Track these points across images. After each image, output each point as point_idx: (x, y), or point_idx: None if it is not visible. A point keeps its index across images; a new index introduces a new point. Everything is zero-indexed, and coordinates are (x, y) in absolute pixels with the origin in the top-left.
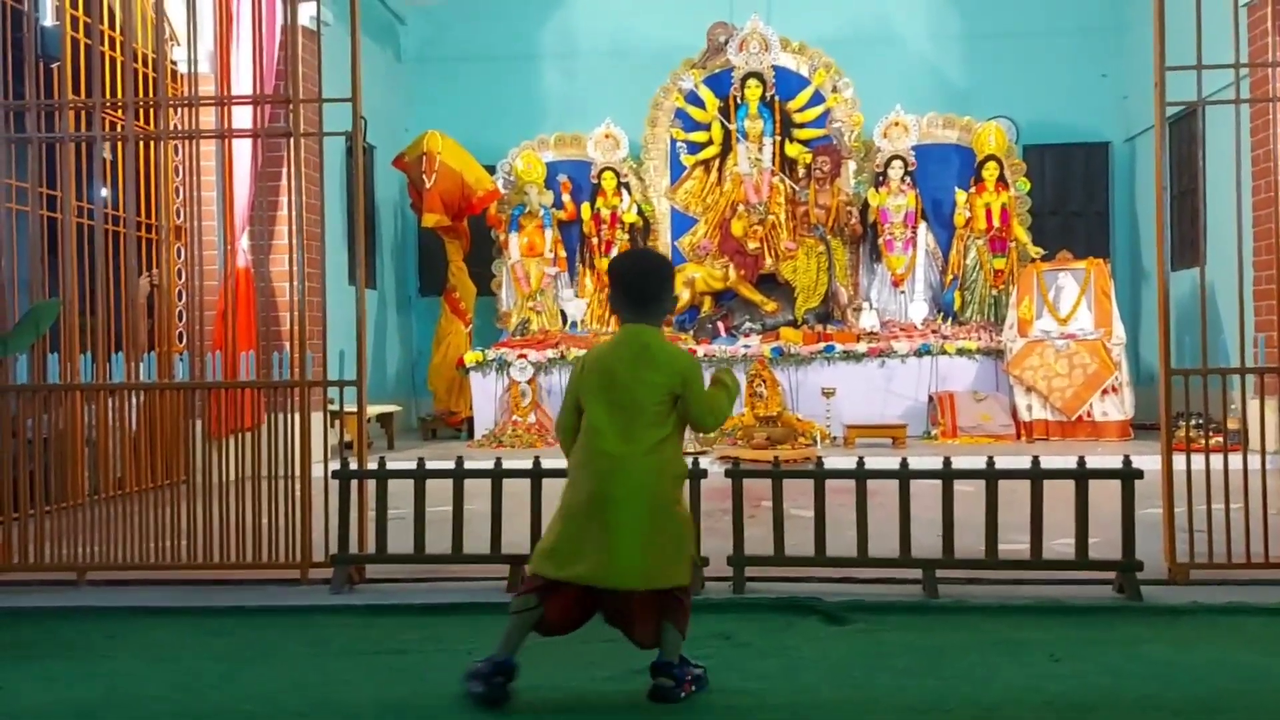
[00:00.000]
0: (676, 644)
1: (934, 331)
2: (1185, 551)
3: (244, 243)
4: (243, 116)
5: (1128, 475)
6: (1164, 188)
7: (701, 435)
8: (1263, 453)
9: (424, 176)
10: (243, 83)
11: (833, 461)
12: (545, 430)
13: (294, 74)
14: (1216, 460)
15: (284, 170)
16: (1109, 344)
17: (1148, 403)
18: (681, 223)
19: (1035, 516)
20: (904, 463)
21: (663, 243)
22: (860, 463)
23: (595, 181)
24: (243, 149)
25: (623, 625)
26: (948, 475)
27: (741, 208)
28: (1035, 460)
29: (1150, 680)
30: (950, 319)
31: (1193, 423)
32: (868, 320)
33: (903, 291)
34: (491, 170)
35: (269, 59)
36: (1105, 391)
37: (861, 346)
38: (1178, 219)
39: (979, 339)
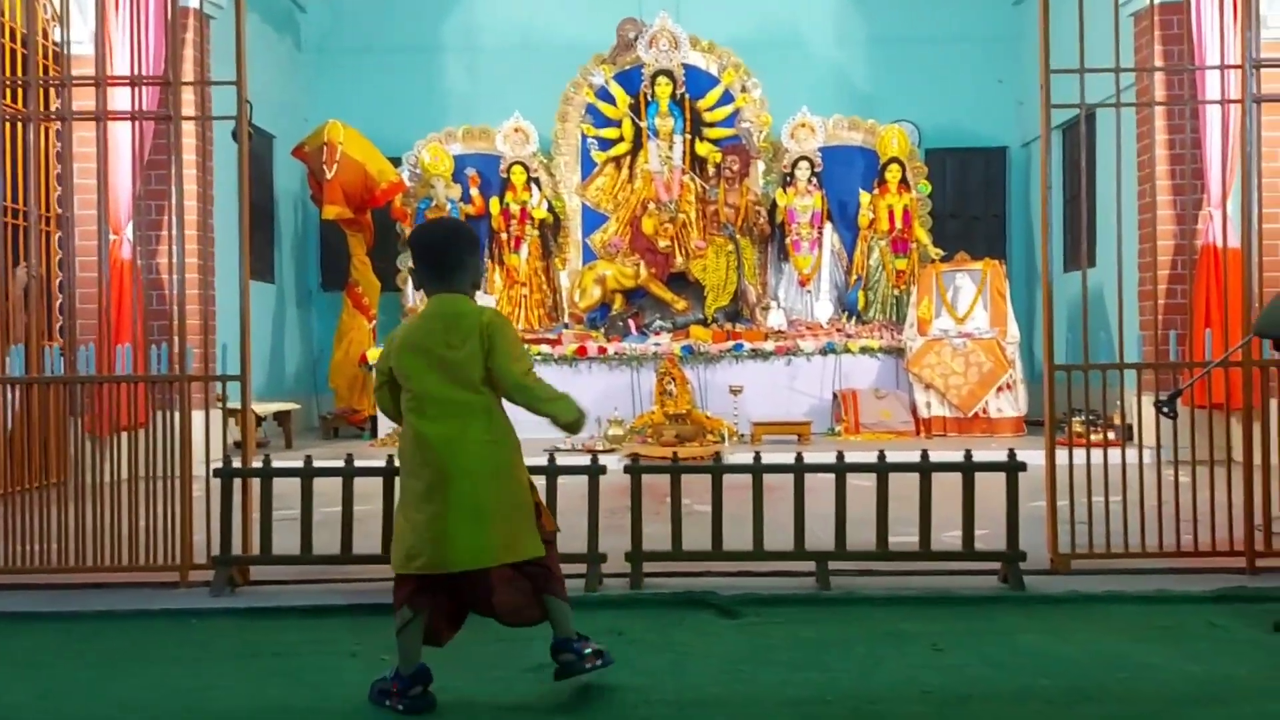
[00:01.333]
0: (566, 615)
1: (838, 330)
2: (1068, 543)
3: (128, 232)
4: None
5: (1012, 468)
6: (1049, 187)
7: (609, 434)
8: (1141, 446)
9: (324, 167)
10: (141, 64)
11: (737, 458)
12: None
13: (175, 55)
14: (1100, 454)
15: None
16: (1004, 343)
17: (1041, 400)
18: (592, 219)
19: (924, 509)
20: (799, 458)
21: (574, 239)
22: (757, 458)
23: (504, 176)
24: (129, 134)
25: (486, 609)
26: (841, 469)
27: (652, 205)
28: (924, 454)
29: (1027, 671)
30: (854, 318)
31: (1082, 418)
32: (775, 319)
33: (809, 291)
34: (397, 162)
35: (157, 41)
36: (1000, 389)
37: (769, 345)
38: (1070, 222)
39: (881, 338)
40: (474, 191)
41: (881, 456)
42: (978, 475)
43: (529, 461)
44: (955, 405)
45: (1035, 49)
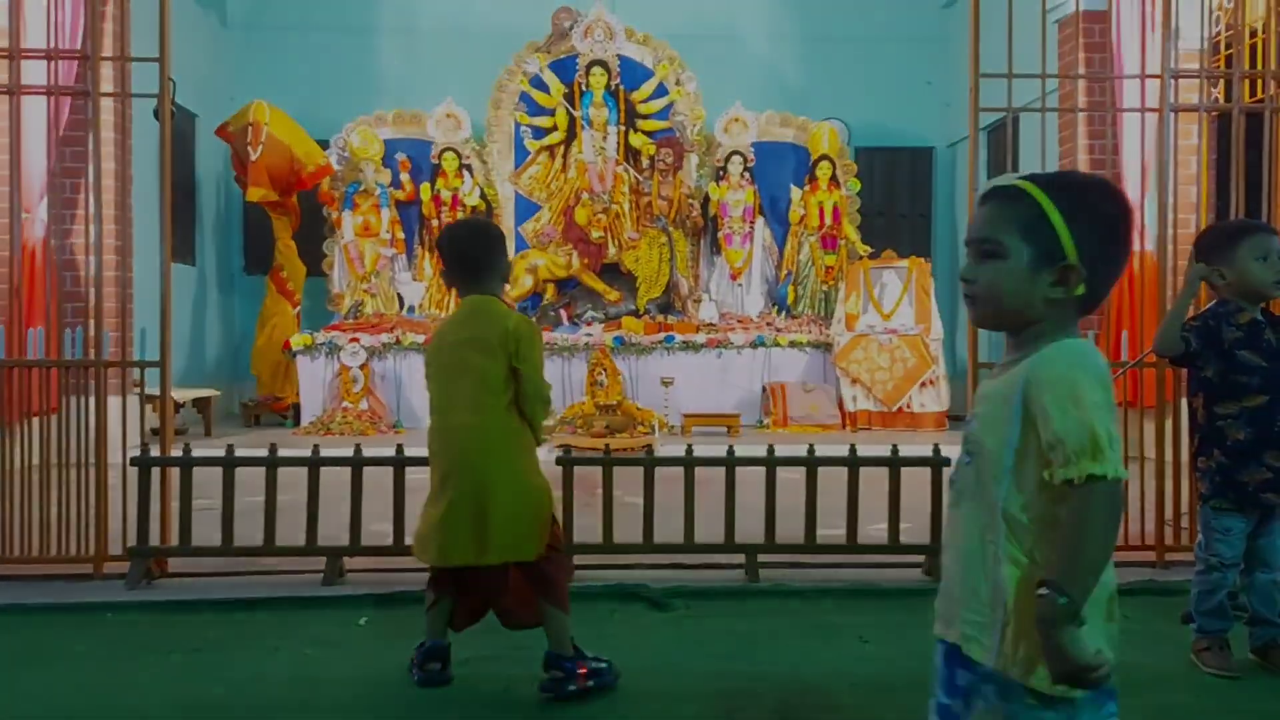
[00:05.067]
0: (562, 627)
1: (768, 324)
2: None
3: (41, 211)
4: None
5: (936, 463)
6: (976, 189)
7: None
8: None
9: (249, 148)
10: (57, 38)
11: (668, 450)
12: (378, 418)
13: (94, 28)
14: None
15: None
16: (927, 339)
17: (964, 396)
18: (525, 208)
19: (851, 503)
20: (730, 451)
21: (506, 227)
22: (689, 451)
23: (436, 162)
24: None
25: (494, 606)
26: (771, 463)
27: (586, 195)
28: (853, 449)
29: None
30: (784, 312)
31: None
32: (707, 312)
33: (740, 284)
34: (325, 145)
35: (74, 14)
36: (923, 384)
37: (700, 337)
38: None
39: (809, 332)
40: (404, 177)
41: (811, 451)
42: (903, 470)
43: None
44: (880, 400)
45: (962, 51)
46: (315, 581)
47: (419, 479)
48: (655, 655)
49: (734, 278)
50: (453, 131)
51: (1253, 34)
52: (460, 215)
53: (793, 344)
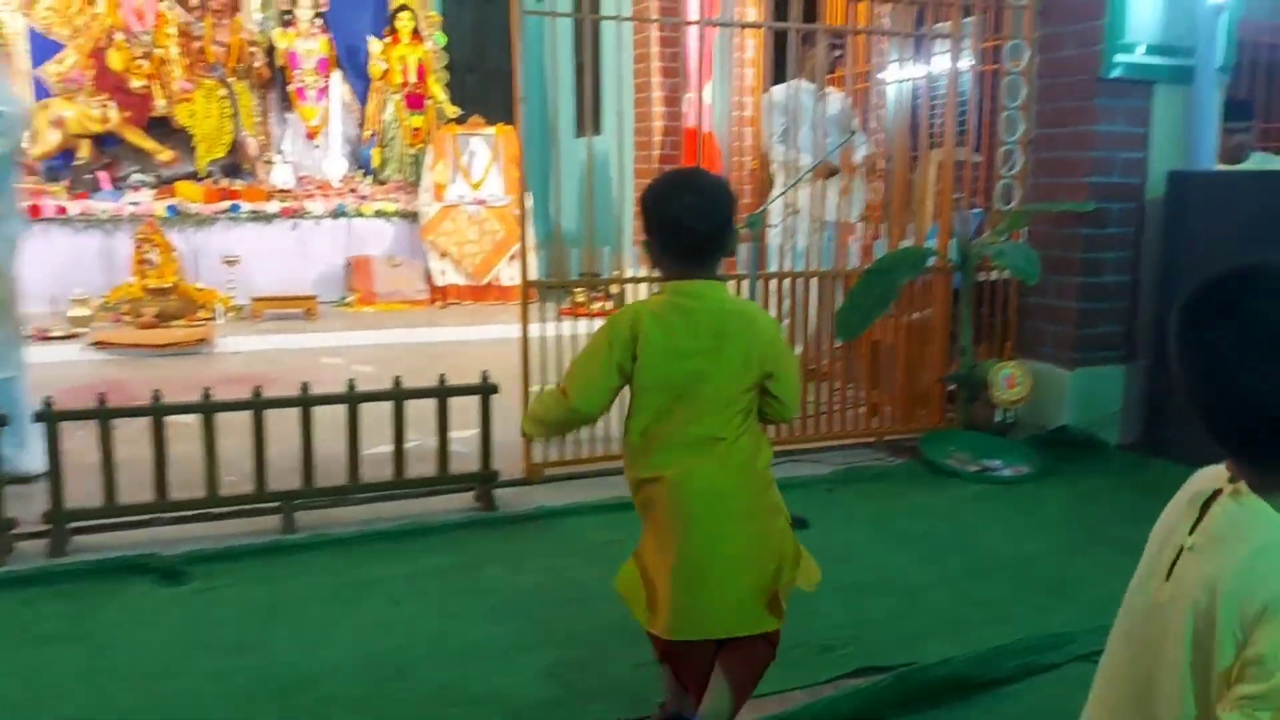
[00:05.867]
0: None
1: (352, 191)
2: (551, 444)
3: None
4: None
5: (485, 391)
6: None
7: (71, 315)
8: None
9: None
10: None
11: (235, 343)
12: None
13: None
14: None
15: None
16: (516, 210)
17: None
18: (44, 47)
19: (398, 438)
20: (256, 392)
21: (20, 70)
22: (206, 395)
23: None
24: None
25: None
26: (306, 402)
27: (120, 36)
28: (397, 381)
29: (478, 619)
30: (370, 176)
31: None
32: (281, 176)
33: (318, 145)
34: None
35: None
36: (513, 257)
37: (273, 206)
38: (579, 90)
39: (397, 200)
40: None
41: (351, 386)
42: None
43: None
44: (469, 274)
45: None
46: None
47: None
48: (147, 658)
49: (310, 137)
50: None
51: None
52: None
53: (379, 214)
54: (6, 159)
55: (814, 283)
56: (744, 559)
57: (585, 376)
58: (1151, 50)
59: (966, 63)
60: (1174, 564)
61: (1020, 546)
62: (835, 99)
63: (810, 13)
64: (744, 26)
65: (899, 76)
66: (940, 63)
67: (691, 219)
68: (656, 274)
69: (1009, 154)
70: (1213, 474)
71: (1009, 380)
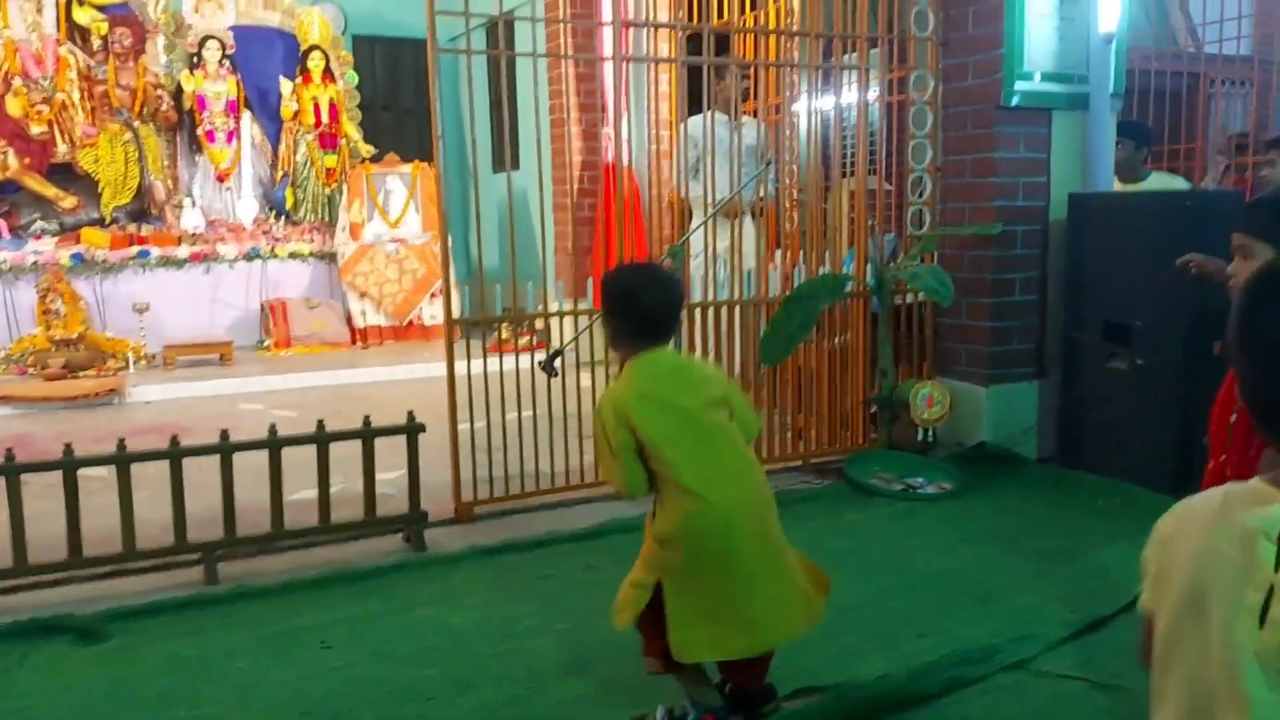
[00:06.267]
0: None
1: (265, 233)
2: (470, 489)
3: None
4: None
5: (412, 430)
6: (439, 125)
7: None
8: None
9: None
10: None
11: (148, 392)
12: None
13: None
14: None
15: None
16: (436, 248)
17: (473, 302)
18: None
19: (322, 481)
20: (174, 440)
21: None
22: (121, 445)
23: None
24: None
25: None
26: (225, 449)
27: (19, 81)
28: (320, 424)
29: (414, 661)
30: (284, 218)
31: (510, 327)
32: (191, 220)
33: (229, 187)
34: None
35: None
36: (434, 295)
37: (183, 251)
38: (496, 126)
39: (312, 241)
40: None
41: (273, 431)
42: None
43: None
44: (390, 314)
45: None
46: None
47: None
48: (76, 712)
49: (221, 180)
50: None
51: None
52: None
53: (293, 255)
54: None
55: (736, 311)
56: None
57: (620, 470)
58: (1048, 78)
59: (874, 93)
60: (1266, 607)
61: (945, 561)
62: (750, 128)
63: (722, 45)
64: (658, 62)
65: (809, 108)
66: (849, 94)
67: (657, 312)
68: (578, 307)
69: (918, 181)
70: (1248, 497)
71: (928, 400)
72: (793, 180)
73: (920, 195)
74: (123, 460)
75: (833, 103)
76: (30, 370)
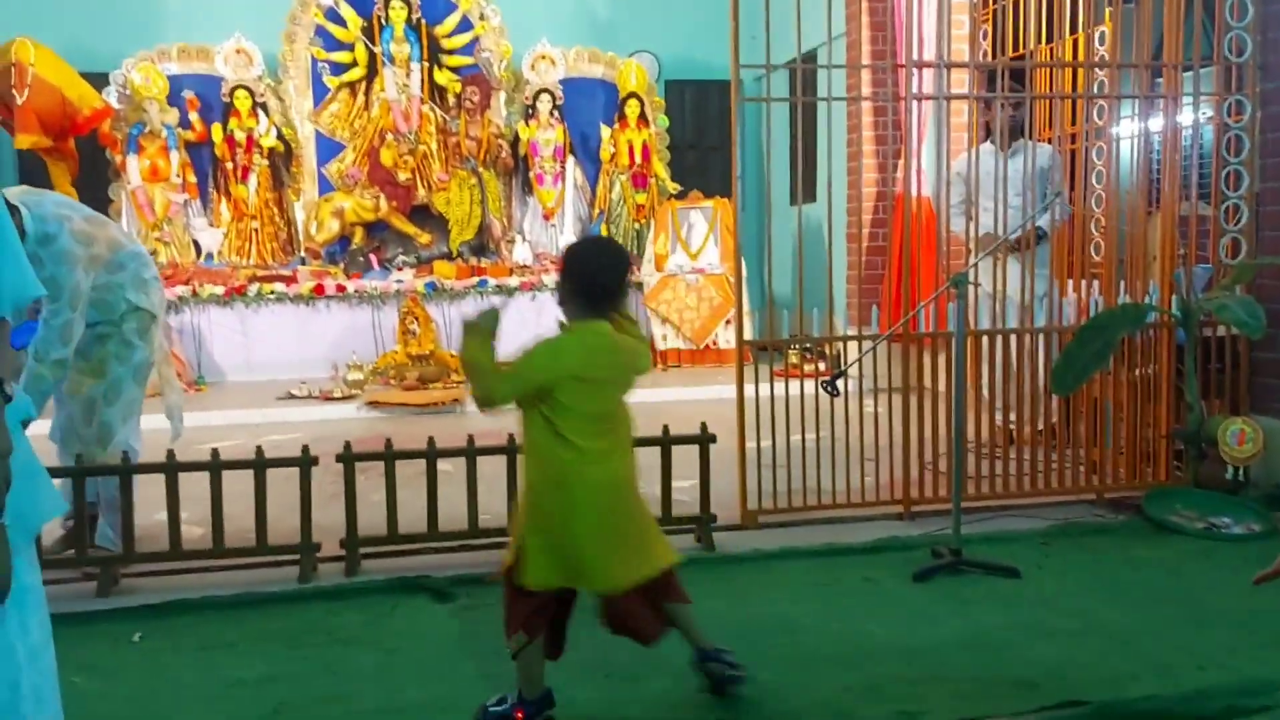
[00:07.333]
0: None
1: None
2: (756, 499)
3: None
4: None
5: (704, 440)
6: (740, 171)
7: (348, 379)
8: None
9: (14, 92)
10: None
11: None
12: (179, 375)
13: None
14: (799, 388)
15: None
16: (732, 278)
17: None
18: (328, 148)
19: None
20: (511, 438)
21: (308, 169)
22: (470, 441)
23: (227, 100)
24: None
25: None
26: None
27: (390, 136)
28: (665, 429)
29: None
30: None
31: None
32: (521, 253)
33: (553, 225)
34: (103, 81)
35: None
36: (728, 321)
37: (514, 280)
38: (798, 160)
39: None
40: (193, 116)
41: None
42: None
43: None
44: (689, 338)
45: None
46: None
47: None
48: (432, 657)
49: (547, 218)
50: (244, 68)
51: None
52: (257, 157)
53: None
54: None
55: (1026, 339)
56: None
57: (507, 390)
58: None
59: (1189, 118)
60: None
61: (1242, 601)
62: (1029, 154)
63: (1019, 77)
64: (950, 99)
65: (1135, 132)
66: (1158, 121)
67: (605, 277)
68: (862, 333)
69: (1235, 208)
70: None
71: (1239, 436)
72: (1102, 207)
73: (1236, 224)
74: (471, 454)
75: (1155, 128)
76: (391, 381)
